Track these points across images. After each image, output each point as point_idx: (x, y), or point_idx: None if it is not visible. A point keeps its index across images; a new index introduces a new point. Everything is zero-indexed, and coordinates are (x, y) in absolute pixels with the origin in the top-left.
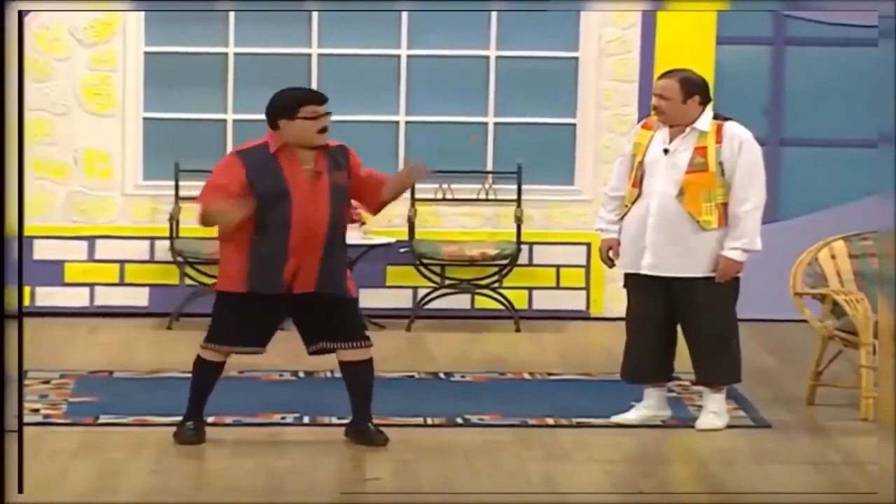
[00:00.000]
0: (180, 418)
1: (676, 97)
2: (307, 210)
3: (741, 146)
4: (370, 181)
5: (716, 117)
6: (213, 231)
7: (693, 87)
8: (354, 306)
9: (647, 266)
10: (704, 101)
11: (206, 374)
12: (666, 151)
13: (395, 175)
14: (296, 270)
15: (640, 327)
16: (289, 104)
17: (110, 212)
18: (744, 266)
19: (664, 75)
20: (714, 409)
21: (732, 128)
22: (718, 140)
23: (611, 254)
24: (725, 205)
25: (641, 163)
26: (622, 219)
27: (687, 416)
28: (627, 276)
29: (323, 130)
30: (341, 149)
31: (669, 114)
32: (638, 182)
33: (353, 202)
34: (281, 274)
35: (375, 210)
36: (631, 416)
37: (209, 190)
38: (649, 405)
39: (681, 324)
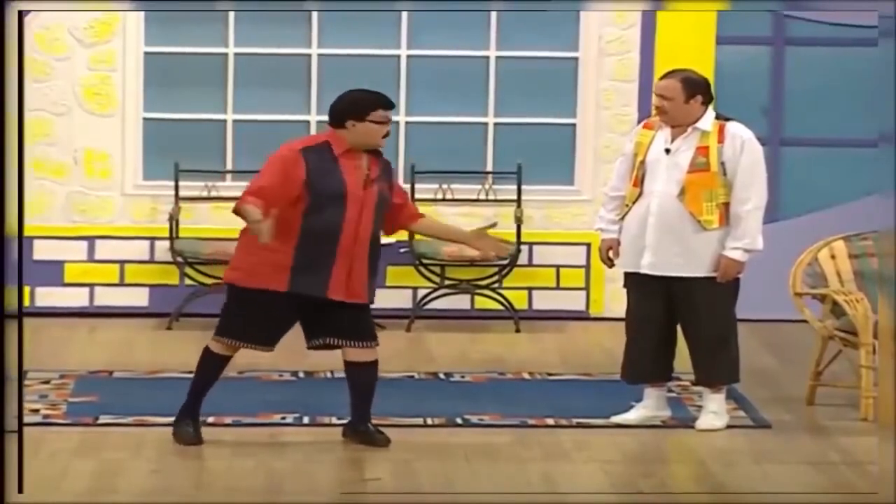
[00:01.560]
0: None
1: (679, 97)
2: (357, 215)
3: (743, 146)
4: (403, 209)
5: (717, 117)
6: (214, 232)
7: (695, 87)
8: (369, 307)
9: (647, 265)
10: (706, 101)
11: (209, 368)
12: (668, 151)
13: (462, 230)
14: (346, 276)
15: (639, 327)
16: (361, 106)
17: (110, 212)
18: (745, 266)
19: (666, 75)
20: (714, 409)
21: (734, 127)
22: (720, 140)
23: (610, 254)
24: (727, 205)
25: (643, 162)
26: (623, 218)
27: (687, 416)
28: (627, 276)
29: (386, 135)
30: (388, 163)
31: (672, 114)
32: (639, 182)
33: None
34: (327, 277)
35: (391, 232)
36: (630, 417)
37: (264, 191)
38: (648, 405)
39: (681, 324)
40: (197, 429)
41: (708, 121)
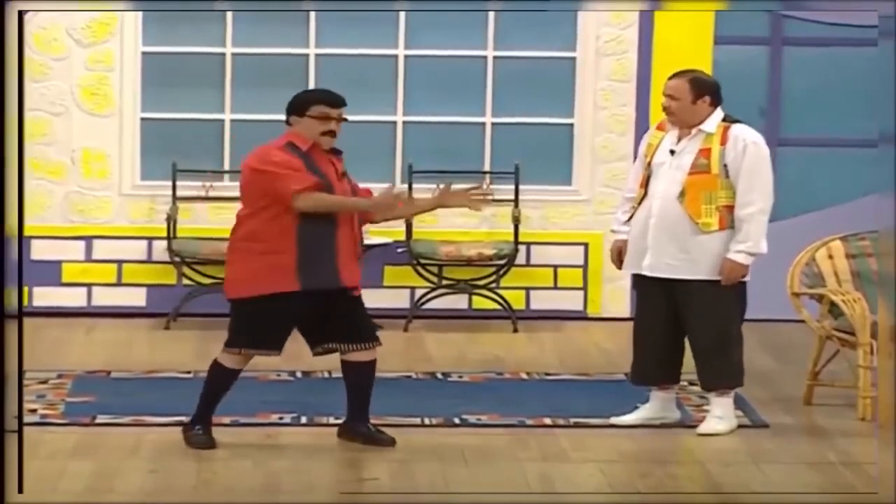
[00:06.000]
0: (178, 418)
1: (686, 97)
2: None
3: (745, 148)
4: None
5: (725, 119)
6: (212, 232)
7: (703, 88)
8: (362, 303)
9: (647, 267)
10: (715, 103)
11: (222, 380)
12: (672, 152)
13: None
14: (344, 266)
15: (644, 329)
16: (300, 102)
17: (108, 212)
18: (749, 269)
19: (674, 76)
20: (718, 414)
21: (739, 130)
22: (723, 142)
23: (622, 255)
24: (729, 207)
25: (650, 164)
26: (630, 220)
27: (684, 417)
28: (634, 278)
29: (327, 133)
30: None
31: (678, 114)
32: (645, 183)
33: None
34: (336, 269)
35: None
36: (629, 418)
37: (315, 184)
38: (650, 407)
39: (684, 327)
40: (209, 433)
41: (713, 122)
